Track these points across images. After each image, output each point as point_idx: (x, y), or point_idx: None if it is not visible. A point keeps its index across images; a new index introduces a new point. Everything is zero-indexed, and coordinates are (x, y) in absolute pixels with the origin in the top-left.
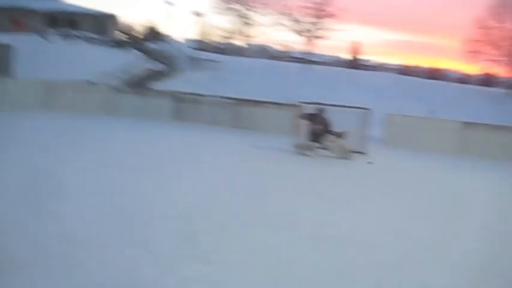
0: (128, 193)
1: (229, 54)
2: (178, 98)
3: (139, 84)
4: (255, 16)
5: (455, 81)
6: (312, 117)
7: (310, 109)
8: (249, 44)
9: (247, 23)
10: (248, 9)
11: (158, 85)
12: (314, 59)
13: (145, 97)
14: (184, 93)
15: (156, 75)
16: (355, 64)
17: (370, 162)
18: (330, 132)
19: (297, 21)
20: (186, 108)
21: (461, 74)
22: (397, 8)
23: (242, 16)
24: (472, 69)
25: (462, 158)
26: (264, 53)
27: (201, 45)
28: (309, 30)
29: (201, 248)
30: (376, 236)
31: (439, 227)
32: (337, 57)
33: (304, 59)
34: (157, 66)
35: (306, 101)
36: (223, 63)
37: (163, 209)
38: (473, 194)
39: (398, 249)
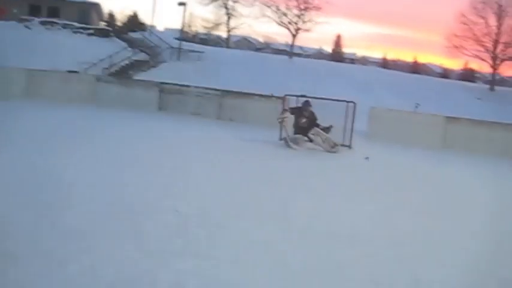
0: (114, 186)
1: (212, 45)
2: (163, 88)
3: (122, 74)
4: (239, 7)
5: (436, 76)
6: (298, 111)
7: (297, 102)
8: (232, 35)
9: (231, 14)
10: (233, 1)
11: (142, 75)
12: (297, 51)
13: (130, 87)
14: (170, 84)
15: (139, 65)
16: (337, 57)
17: (367, 158)
18: (316, 125)
19: (282, 13)
20: (171, 99)
21: (443, 68)
22: (379, 1)
23: (226, 7)
24: (453, 64)
25: (446, 152)
26: (246, 44)
27: (184, 36)
28: (294, 23)
29: (193, 242)
30: (367, 229)
31: (429, 220)
32: (319, 49)
33: (287, 51)
34: (141, 56)
35: (291, 93)
36: (207, 54)
37: (153, 202)
38: (462, 189)
39: (391, 242)
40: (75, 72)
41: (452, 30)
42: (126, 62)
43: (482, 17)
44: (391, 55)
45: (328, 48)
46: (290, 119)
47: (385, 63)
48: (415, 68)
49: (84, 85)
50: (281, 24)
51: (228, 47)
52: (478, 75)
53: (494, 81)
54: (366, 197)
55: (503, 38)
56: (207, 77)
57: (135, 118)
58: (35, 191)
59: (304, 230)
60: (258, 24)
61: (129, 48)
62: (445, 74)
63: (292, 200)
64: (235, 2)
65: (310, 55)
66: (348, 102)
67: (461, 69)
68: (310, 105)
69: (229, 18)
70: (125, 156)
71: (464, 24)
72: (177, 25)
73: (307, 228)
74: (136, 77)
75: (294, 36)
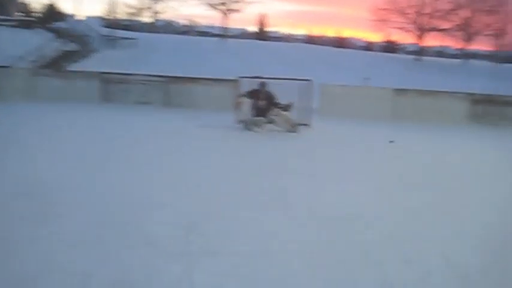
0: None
1: (137, 31)
2: (105, 78)
3: (55, 66)
4: None
5: (360, 49)
6: (255, 93)
7: (252, 84)
8: (156, 20)
9: None
10: None
11: (75, 66)
12: (221, 33)
13: (69, 79)
14: (111, 73)
15: (70, 56)
16: (262, 36)
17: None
18: (276, 104)
19: None
20: (114, 88)
21: (366, 42)
22: None
23: None
24: (376, 37)
25: (397, 123)
26: (171, 28)
27: (108, 23)
28: (222, 3)
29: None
30: (372, 208)
31: (428, 193)
32: (243, 29)
33: (212, 33)
34: (70, 46)
35: (245, 75)
36: (139, 41)
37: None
38: (430, 158)
39: (404, 219)
40: (7, 67)
41: (377, 4)
42: (56, 53)
43: None
44: (316, 32)
45: (252, 28)
46: (246, 102)
47: (310, 40)
48: (339, 43)
49: (19, 80)
50: (210, 6)
51: (153, 32)
52: (399, 46)
53: (419, 51)
54: (351, 175)
55: (426, 9)
56: (144, 64)
57: (79, 110)
58: None
59: (312, 215)
60: (183, 8)
61: (57, 39)
62: (368, 47)
63: (284, 184)
64: None
65: (236, 35)
66: (304, 80)
67: (384, 42)
68: (266, 86)
69: (154, 2)
70: (96, 152)
71: None
72: (97, 13)
73: (313, 213)
74: (69, 68)
75: (224, 17)
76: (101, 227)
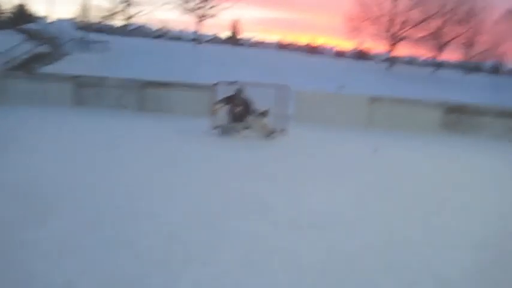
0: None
1: (109, 34)
2: (78, 81)
3: (26, 68)
4: None
5: (331, 56)
6: (232, 99)
7: (228, 89)
8: (129, 24)
9: (128, 2)
10: None
11: (47, 68)
12: (195, 38)
13: (42, 82)
14: (85, 77)
15: (42, 58)
16: (235, 41)
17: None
18: (253, 110)
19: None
20: (87, 92)
21: (337, 49)
22: None
23: None
24: (347, 44)
25: (372, 130)
26: (144, 32)
27: (80, 26)
28: (197, 9)
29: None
30: (353, 214)
31: (402, 199)
32: (216, 35)
33: (184, 38)
34: (42, 48)
35: (221, 80)
36: (111, 44)
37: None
38: (403, 165)
39: (386, 225)
40: None
41: (350, 13)
42: (28, 55)
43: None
44: (288, 39)
45: (224, 34)
46: (224, 107)
47: (282, 46)
48: (311, 50)
49: None
50: (185, 10)
51: (125, 35)
52: (371, 54)
53: (391, 59)
54: (329, 182)
55: (399, 18)
56: (117, 67)
57: (51, 114)
58: None
59: (293, 223)
60: (158, 12)
61: (28, 41)
62: (340, 54)
63: (264, 191)
64: None
65: (209, 41)
66: (280, 85)
67: (355, 50)
68: (243, 92)
69: (127, 5)
70: (67, 159)
71: (362, 6)
72: (69, 15)
73: (294, 220)
74: (41, 71)
75: (199, 22)
76: (80, 234)
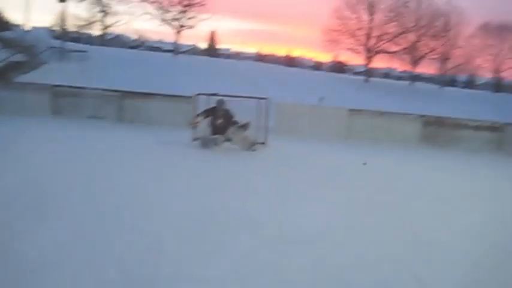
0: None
1: (86, 44)
2: (56, 91)
3: (1, 77)
4: (114, 5)
5: (309, 68)
6: (213, 111)
7: (208, 101)
8: (106, 33)
9: (105, 12)
10: None
11: (24, 77)
12: (172, 48)
13: (17, 91)
14: (63, 86)
15: (18, 67)
16: (212, 52)
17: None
18: (234, 123)
19: (165, 10)
20: (65, 102)
21: (314, 61)
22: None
23: (101, 5)
24: (324, 57)
25: (352, 143)
26: (121, 42)
27: (57, 35)
28: (176, 19)
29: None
30: (338, 228)
31: (388, 211)
32: (193, 45)
33: (161, 49)
34: (18, 56)
35: (202, 92)
36: (90, 54)
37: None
38: (384, 177)
39: (371, 239)
40: None
41: (328, 26)
42: (3, 63)
43: (356, 12)
44: (266, 50)
45: (202, 45)
46: (205, 120)
47: (259, 58)
48: (289, 62)
49: None
50: (163, 21)
51: (102, 45)
52: (347, 67)
53: (368, 72)
54: (311, 195)
55: (375, 32)
56: (95, 77)
57: (28, 124)
58: None
59: (280, 238)
60: (136, 22)
61: (4, 49)
62: (317, 66)
63: (248, 204)
64: None
65: (186, 51)
66: (261, 98)
67: (332, 62)
68: (224, 104)
69: (104, 15)
70: (44, 171)
71: (339, 19)
72: (46, 24)
73: (281, 235)
74: (17, 80)
75: (177, 33)
76: (62, 248)
